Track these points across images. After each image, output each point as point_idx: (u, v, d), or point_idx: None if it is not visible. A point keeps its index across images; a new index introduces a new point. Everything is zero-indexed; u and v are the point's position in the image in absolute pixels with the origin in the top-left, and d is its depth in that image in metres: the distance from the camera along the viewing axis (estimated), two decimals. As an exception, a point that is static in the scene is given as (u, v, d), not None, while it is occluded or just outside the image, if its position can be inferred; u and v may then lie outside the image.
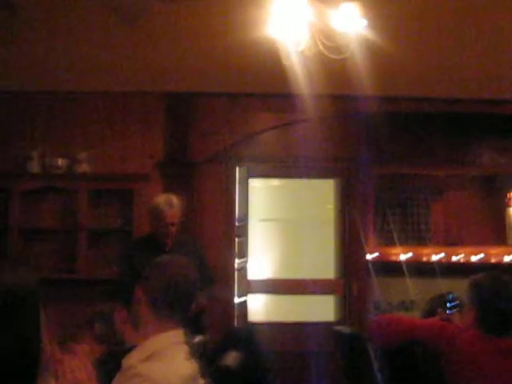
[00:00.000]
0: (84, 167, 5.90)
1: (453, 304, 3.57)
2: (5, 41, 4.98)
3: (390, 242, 6.82)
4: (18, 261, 4.68)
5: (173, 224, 4.73)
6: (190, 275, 2.51)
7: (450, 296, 3.59)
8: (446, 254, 6.73)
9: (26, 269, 1.36)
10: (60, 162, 5.88)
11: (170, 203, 4.75)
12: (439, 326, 3.27)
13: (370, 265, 6.31)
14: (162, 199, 4.82)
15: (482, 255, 6.68)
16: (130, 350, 2.47)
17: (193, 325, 4.37)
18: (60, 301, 5.83)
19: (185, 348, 2.43)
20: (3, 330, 1.38)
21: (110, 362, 2.64)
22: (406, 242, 6.91)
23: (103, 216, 5.91)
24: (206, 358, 2.91)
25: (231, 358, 2.87)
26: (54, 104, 6.04)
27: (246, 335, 4.57)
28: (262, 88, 5.77)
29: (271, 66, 4.60)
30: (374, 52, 4.41)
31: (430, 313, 3.69)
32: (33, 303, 1.46)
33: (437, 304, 3.75)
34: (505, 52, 5.01)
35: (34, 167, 5.86)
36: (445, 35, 4.74)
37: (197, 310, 4.43)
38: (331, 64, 4.18)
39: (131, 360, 2.37)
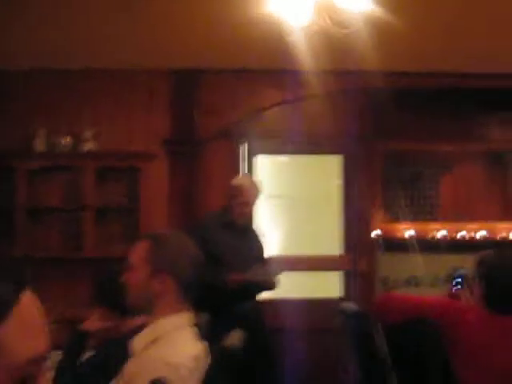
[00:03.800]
0: (90, 145, 5.88)
1: (460, 280, 3.55)
2: (10, 19, 4.94)
3: (398, 218, 6.80)
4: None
5: (249, 204, 4.87)
6: (192, 254, 2.49)
7: (458, 272, 3.57)
8: (453, 229, 6.70)
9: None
10: (66, 140, 5.86)
11: (251, 182, 4.98)
12: (444, 304, 3.26)
13: (376, 241, 6.29)
14: (244, 179, 5.16)
15: (489, 231, 6.64)
16: (136, 332, 2.47)
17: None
18: (66, 279, 5.86)
19: (191, 330, 2.44)
20: None
21: (118, 344, 2.63)
22: (414, 217, 6.88)
23: (109, 194, 5.90)
24: (212, 336, 2.91)
25: (235, 337, 2.87)
26: (60, 82, 6.00)
27: (251, 314, 4.58)
28: (266, 64, 5.72)
29: (276, 41, 4.56)
30: (378, 27, 4.36)
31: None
32: None
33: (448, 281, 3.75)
34: (512, 25, 4.94)
35: (40, 146, 5.84)
36: (451, 8, 4.67)
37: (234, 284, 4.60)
38: (335, 39, 4.13)
39: (141, 344, 2.38)
